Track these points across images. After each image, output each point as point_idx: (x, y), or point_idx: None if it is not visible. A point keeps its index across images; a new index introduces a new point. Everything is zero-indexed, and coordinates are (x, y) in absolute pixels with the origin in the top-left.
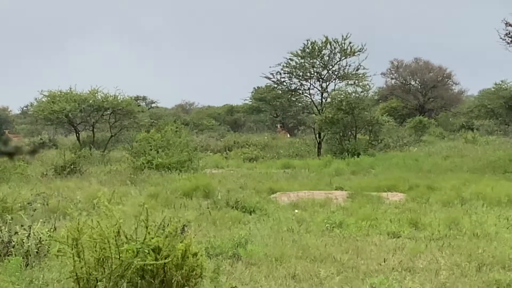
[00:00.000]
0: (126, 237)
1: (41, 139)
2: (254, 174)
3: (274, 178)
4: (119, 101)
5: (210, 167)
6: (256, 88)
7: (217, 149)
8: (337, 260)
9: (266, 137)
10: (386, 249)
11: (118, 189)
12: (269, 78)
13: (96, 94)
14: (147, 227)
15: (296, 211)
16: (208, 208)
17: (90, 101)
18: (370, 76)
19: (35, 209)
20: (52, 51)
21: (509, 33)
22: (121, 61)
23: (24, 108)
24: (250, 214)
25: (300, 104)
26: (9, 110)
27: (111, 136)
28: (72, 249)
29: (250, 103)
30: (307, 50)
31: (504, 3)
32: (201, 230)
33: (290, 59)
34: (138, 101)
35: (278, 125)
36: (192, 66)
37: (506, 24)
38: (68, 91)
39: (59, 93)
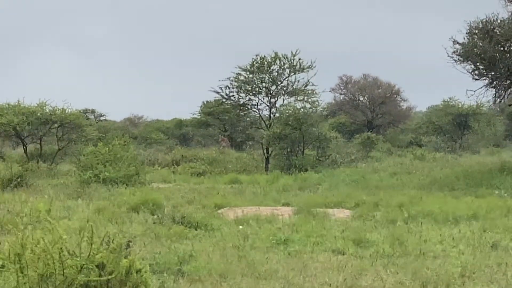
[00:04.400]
0: (69, 253)
1: None
2: (201, 189)
3: (221, 193)
4: (67, 114)
5: (158, 182)
6: (205, 102)
7: (165, 163)
8: (282, 277)
9: (214, 152)
10: (331, 267)
11: (65, 202)
12: (218, 93)
13: (44, 107)
14: (91, 243)
15: (241, 226)
16: (154, 223)
17: (38, 114)
18: (319, 92)
19: None
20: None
21: (457, 51)
22: (69, 73)
23: None
24: (196, 230)
25: (248, 119)
26: None
27: (59, 149)
28: (15, 264)
29: (199, 117)
30: (256, 65)
31: (452, 20)
32: (146, 246)
33: (238, 73)
34: (86, 114)
35: (221, 136)
36: (141, 78)
37: (453, 42)
38: (16, 104)
39: (6, 105)
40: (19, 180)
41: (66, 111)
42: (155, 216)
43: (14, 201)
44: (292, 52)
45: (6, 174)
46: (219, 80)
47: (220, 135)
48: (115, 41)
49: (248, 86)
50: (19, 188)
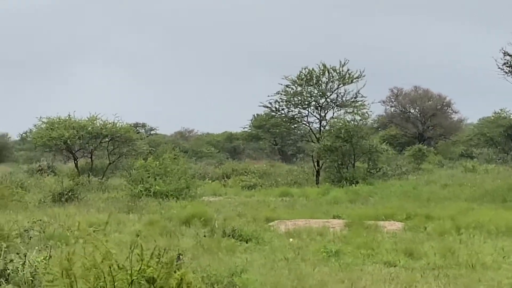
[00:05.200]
0: (119, 267)
1: (39, 166)
2: (251, 202)
3: (271, 206)
4: (118, 128)
5: (208, 195)
6: (255, 115)
7: (215, 177)
8: None
9: (265, 165)
10: (382, 279)
11: (116, 216)
12: (267, 107)
13: (95, 121)
14: (142, 257)
15: (291, 239)
16: (204, 236)
17: (89, 128)
18: (368, 104)
19: (31, 237)
20: (52, 76)
21: (507, 63)
22: (120, 88)
23: (23, 134)
24: (247, 243)
25: (299, 132)
26: (8, 136)
27: (109, 163)
28: (64, 279)
29: (249, 130)
30: (304, 77)
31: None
32: (197, 259)
33: (287, 85)
34: (137, 128)
35: None
36: (191, 92)
37: (504, 53)
38: (67, 118)
39: (57, 120)
40: (70, 194)
41: (117, 125)
42: (206, 229)
43: (65, 215)
44: (340, 62)
45: (57, 188)
46: (269, 95)
47: None
48: (165, 55)
49: (297, 99)
50: (70, 202)
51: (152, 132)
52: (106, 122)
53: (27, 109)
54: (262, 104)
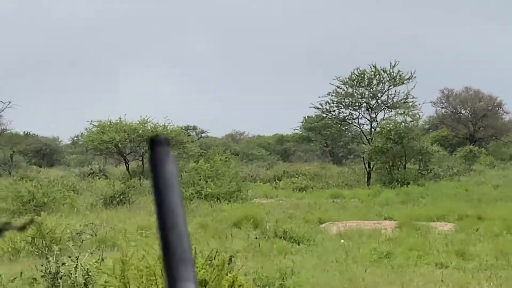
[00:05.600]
0: None
1: (91, 169)
2: (302, 204)
3: (323, 208)
4: (169, 131)
5: (259, 197)
6: (306, 117)
7: (266, 179)
8: None
9: (316, 167)
10: (433, 280)
11: None
12: (318, 108)
13: (146, 124)
14: (194, 261)
15: (342, 241)
16: (256, 238)
17: (140, 131)
18: (419, 105)
19: (83, 240)
20: (102, 79)
21: None
22: (171, 90)
23: (75, 138)
24: (298, 245)
25: (349, 134)
26: (59, 140)
27: None
28: (119, 281)
29: (300, 132)
30: (355, 78)
31: None
32: (248, 261)
33: (338, 86)
34: (188, 131)
35: None
36: (242, 94)
37: None
38: (118, 121)
39: (108, 123)
40: (121, 197)
41: (167, 128)
42: (257, 232)
43: (116, 218)
44: (391, 63)
45: (108, 191)
46: (319, 96)
47: None
48: (216, 57)
49: (348, 100)
50: (121, 205)
51: (203, 134)
52: (157, 125)
53: (78, 112)
54: (313, 106)
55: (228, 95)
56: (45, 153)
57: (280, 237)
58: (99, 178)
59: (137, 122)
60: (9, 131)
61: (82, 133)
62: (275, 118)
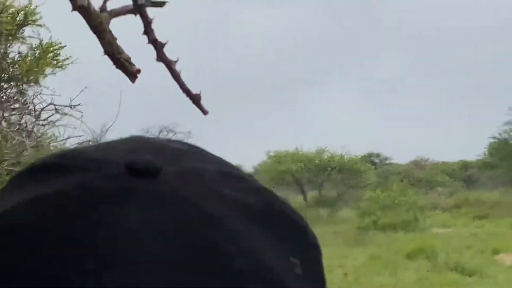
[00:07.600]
0: None
1: None
2: (481, 234)
3: (500, 238)
4: (346, 160)
5: (437, 226)
6: (491, 142)
7: (446, 207)
8: None
9: (499, 194)
10: None
11: (341, 250)
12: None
13: (322, 154)
14: None
15: None
16: (427, 271)
17: (316, 161)
18: None
19: None
20: (282, 106)
21: None
22: (355, 115)
23: (257, 166)
24: (470, 277)
25: None
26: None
27: (338, 195)
28: None
29: (484, 158)
30: None
31: None
32: None
33: None
34: (371, 158)
35: None
36: (429, 119)
37: None
38: (294, 151)
39: (285, 153)
40: None
41: (344, 157)
42: (430, 263)
43: None
44: None
45: None
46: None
47: None
48: (402, 80)
49: None
50: None
51: (386, 161)
52: (333, 154)
53: (260, 139)
54: (492, 136)
55: (414, 119)
56: None
57: (452, 270)
58: None
59: (314, 152)
60: None
61: (264, 161)
62: (461, 143)
